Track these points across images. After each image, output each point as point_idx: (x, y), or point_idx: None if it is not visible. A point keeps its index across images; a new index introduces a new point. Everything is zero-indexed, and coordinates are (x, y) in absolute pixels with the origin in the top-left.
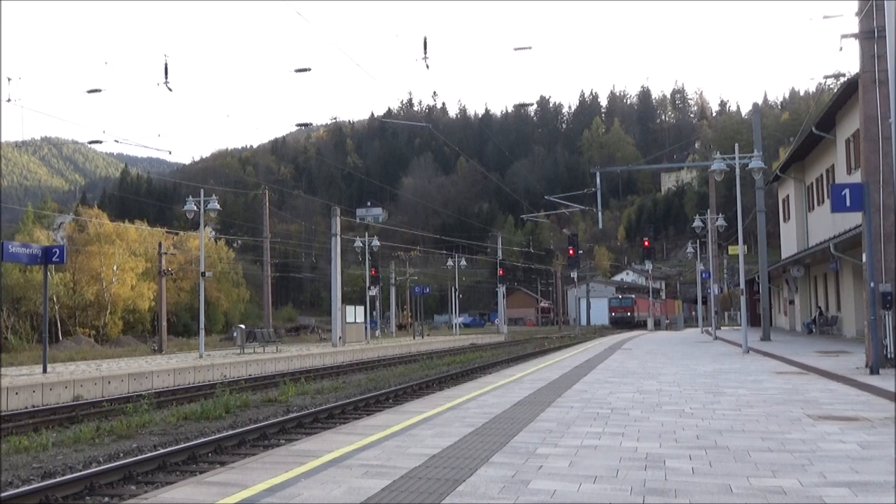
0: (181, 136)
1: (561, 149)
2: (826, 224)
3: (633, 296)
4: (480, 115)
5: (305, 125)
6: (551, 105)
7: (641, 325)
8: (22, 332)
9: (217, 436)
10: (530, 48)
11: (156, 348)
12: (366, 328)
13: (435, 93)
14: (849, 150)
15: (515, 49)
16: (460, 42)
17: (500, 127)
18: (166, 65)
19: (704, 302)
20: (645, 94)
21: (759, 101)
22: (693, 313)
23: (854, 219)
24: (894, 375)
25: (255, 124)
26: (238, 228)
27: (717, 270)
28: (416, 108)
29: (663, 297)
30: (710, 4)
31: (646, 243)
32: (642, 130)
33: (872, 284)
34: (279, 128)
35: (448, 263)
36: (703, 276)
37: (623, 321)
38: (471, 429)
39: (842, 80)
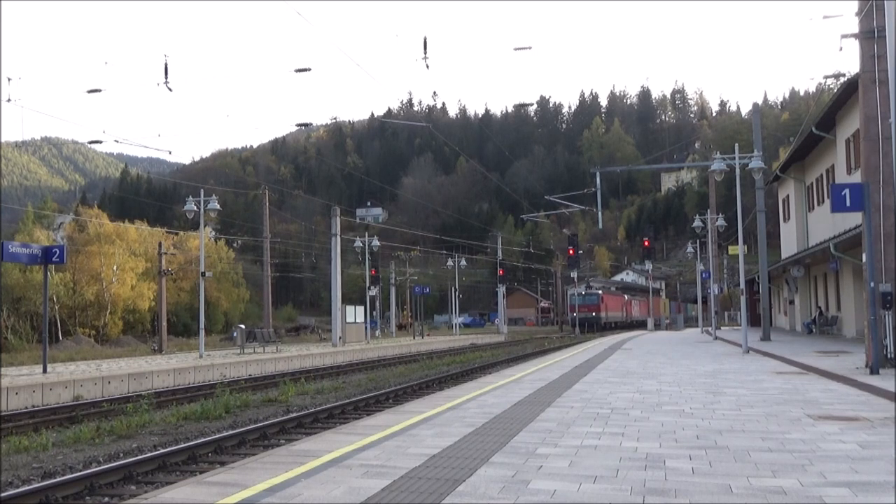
0: (181, 136)
1: (561, 149)
2: (826, 224)
3: (601, 291)
4: (480, 115)
5: (305, 125)
6: (551, 105)
7: (612, 326)
8: (22, 332)
9: (217, 436)
10: (530, 48)
11: (156, 348)
12: (366, 328)
13: (435, 93)
14: (849, 150)
15: (515, 49)
16: (460, 42)
17: (500, 127)
18: (166, 65)
19: (704, 302)
20: (645, 94)
21: (759, 101)
22: (692, 313)
23: (854, 219)
24: (894, 375)
25: (255, 124)
26: (238, 228)
27: (717, 270)
28: (416, 108)
29: (662, 294)
30: (710, 4)
31: (646, 243)
32: (642, 130)
33: (872, 284)
34: (279, 128)
35: (448, 263)
36: (703, 276)
37: (587, 322)
38: (471, 429)
39: (842, 80)
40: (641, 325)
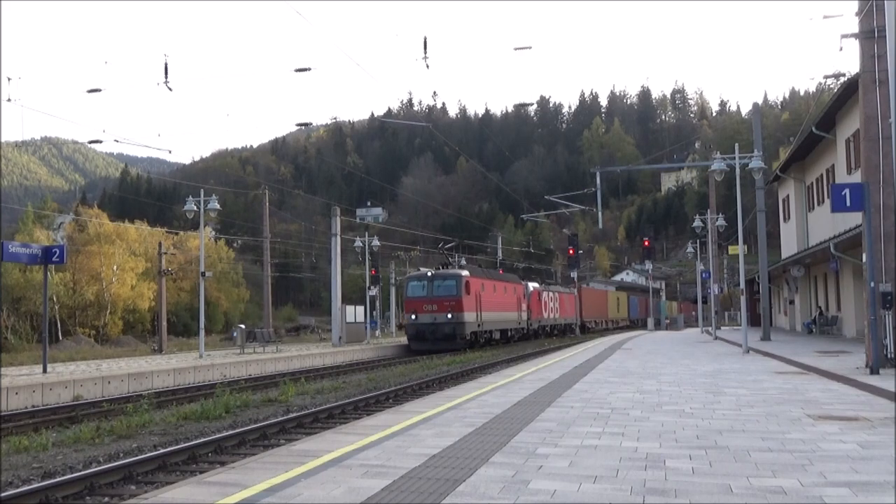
0: (181, 136)
1: (561, 149)
2: (826, 224)
3: (466, 274)
4: (480, 115)
5: (305, 125)
6: (551, 105)
7: (492, 340)
8: (22, 332)
9: (217, 436)
10: (530, 48)
11: (156, 348)
12: (366, 328)
13: (435, 93)
14: (849, 150)
15: (515, 49)
16: (460, 42)
17: (500, 127)
18: (166, 65)
19: (705, 301)
20: (645, 94)
21: (759, 101)
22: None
23: (854, 219)
24: (894, 375)
25: (255, 124)
26: (238, 228)
27: (717, 270)
28: (416, 108)
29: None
30: (710, 4)
31: (646, 243)
32: (642, 130)
33: (872, 284)
34: (279, 128)
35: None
36: (703, 276)
37: (434, 334)
38: (471, 429)
39: (842, 80)
40: (567, 330)
